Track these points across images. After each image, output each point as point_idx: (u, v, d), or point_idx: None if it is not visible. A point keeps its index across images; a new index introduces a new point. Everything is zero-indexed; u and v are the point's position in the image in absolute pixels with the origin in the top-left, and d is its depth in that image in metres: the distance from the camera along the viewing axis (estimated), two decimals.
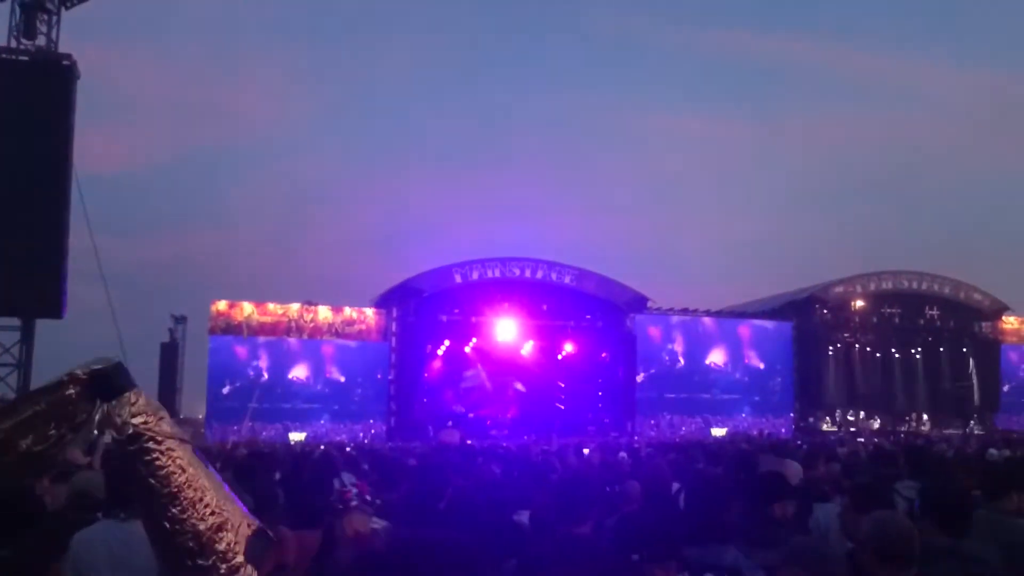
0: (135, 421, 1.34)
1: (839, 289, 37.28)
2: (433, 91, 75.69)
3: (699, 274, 62.30)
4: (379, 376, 32.48)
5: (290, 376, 31.61)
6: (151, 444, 1.34)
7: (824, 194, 66.05)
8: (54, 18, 20.10)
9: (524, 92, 75.54)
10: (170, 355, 31.29)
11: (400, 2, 75.27)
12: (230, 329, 31.61)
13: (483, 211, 67.24)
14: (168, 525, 1.32)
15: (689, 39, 76.10)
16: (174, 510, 1.31)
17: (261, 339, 31.64)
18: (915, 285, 37.78)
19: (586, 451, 12.17)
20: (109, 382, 1.38)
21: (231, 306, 32.05)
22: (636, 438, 27.95)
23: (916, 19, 77.17)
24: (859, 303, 37.28)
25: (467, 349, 33.56)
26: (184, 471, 1.34)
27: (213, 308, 31.71)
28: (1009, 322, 38.94)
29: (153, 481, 1.32)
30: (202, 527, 1.32)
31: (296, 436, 29.83)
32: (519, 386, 33.81)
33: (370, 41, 74.74)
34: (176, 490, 1.32)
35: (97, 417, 1.35)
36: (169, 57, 67.57)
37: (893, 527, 3.20)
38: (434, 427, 31.32)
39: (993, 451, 9.27)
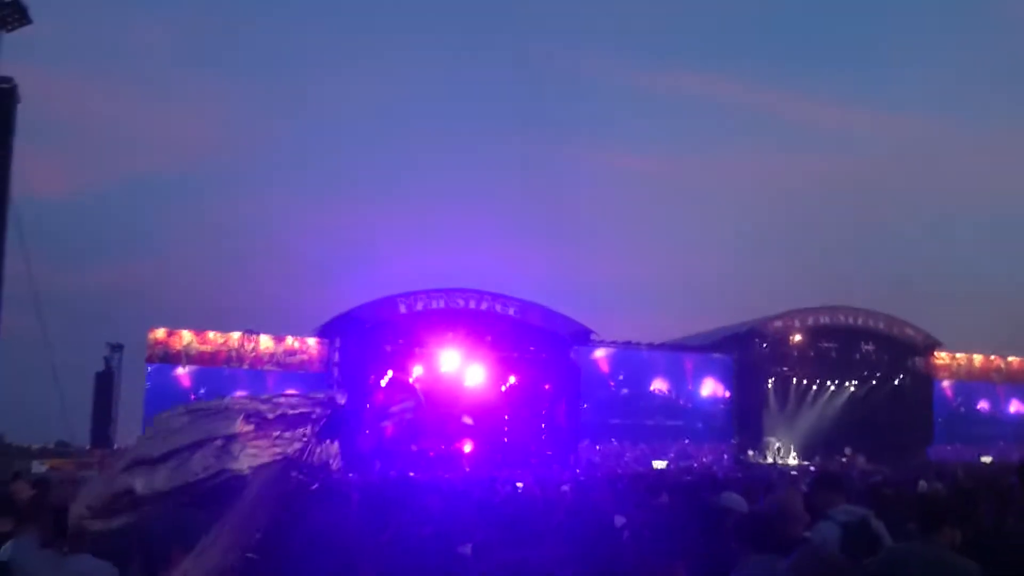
0: (334, 466, 1.59)
1: (778, 323, 37.94)
2: (376, 123, 75.64)
3: (642, 308, 62.95)
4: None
5: None
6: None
7: (763, 231, 67.49)
8: None
9: (467, 126, 76.08)
10: (105, 384, 30.51)
11: (347, 36, 75.45)
12: (168, 358, 31.03)
13: (427, 242, 67.27)
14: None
15: (632, 76, 77.44)
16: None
17: (200, 368, 31.09)
18: (851, 320, 38.63)
19: (519, 485, 12.09)
20: (340, 425, 1.62)
21: (169, 334, 31.48)
22: (579, 471, 27.98)
23: (850, 64, 79.72)
24: (797, 337, 37.98)
25: (411, 380, 33.34)
26: None
27: (151, 336, 31.11)
28: (941, 357, 40.00)
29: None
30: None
31: None
32: (467, 420, 33.64)
33: (315, 72, 74.64)
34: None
35: (319, 449, 1.58)
36: (111, 83, 66.69)
37: (815, 558, 3.32)
38: (380, 459, 31.02)
39: (923, 483, 9.53)
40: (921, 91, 75.86)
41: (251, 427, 1.55)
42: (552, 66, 76.06)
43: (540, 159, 73.53)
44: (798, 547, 3.86)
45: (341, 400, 1.55)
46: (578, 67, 75.58)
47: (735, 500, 5.82)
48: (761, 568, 3.69)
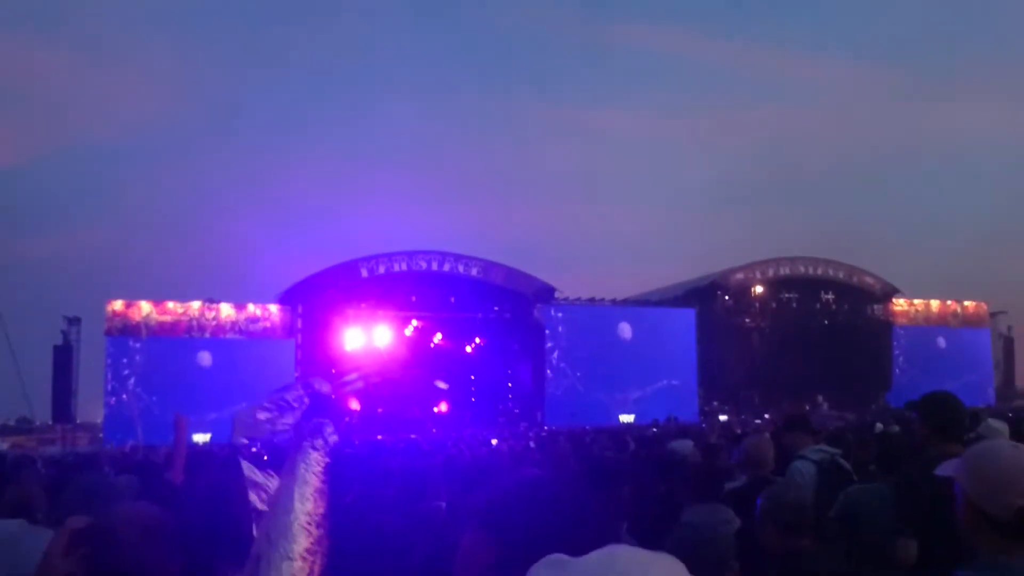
0: (332, 440, 1.96)
1: (739, 275, 38.28)
2: (331, 87, 74.68)
3: (605, 264, 63.19)
4: (285, 373, 31.83)
5: (194, 376, 30.67)
6: (326, 459, 1.93)
7: (722, 185, 67.84)
8: None
9: (426, 89, 75.22)
10: (64, 358, 30.06)
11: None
12: (127, 330, 30.59)
13: (387, 205, 66.70)
14: (308, 519, 1.82)
15: (589, 34, 76.94)
16: (319, 509, 1.85)
17: (161, 338, 30.69)
18: (811, 270, 39.08)
19: (494, 442, 12.22)
20: (328, 407, 2.05)
21: (128, 306, 31.01)
22: (546, 428, 28.15)
23: (809, 18, 79.81)
24: (758, 289, 38.38)
25: (375, 343, 33.22)
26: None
27: (109, 308, 30.63)
28: (899, 304, 40.61)
29: (321, 486, 1.88)
30: (318, 518, 1.85)
31: (201, 437, 29.03)
32: (441, 384, 33.58)
33: (261, 34, 73.26)
34: (320, 495, 1.88)
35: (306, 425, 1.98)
36: (54, 48, 64.91)
37: (789, 497, 3.36)
38: (346, 423, 31.00)
39: (879, 424, 9.77)
40: (877, 41, 76.30)
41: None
42: (506, 21, 75.29)
43: (494, 117, 73.11)
44: (764, 489, 3.96)
45: (323, 387, 1.94)
46: (532, 21, 74.92)
47: (684, 446, 6.03)
48: (704, 515, 3.82)
